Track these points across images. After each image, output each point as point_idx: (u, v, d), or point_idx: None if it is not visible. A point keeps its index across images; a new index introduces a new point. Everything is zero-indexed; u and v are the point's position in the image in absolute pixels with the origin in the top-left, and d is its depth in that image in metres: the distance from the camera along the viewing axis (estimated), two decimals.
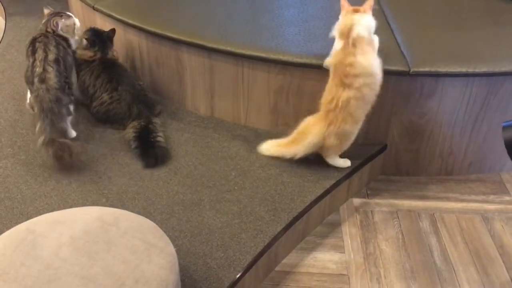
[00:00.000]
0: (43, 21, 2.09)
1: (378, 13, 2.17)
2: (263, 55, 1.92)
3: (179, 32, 2.05)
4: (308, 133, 1.79)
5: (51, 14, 2.09)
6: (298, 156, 1.83)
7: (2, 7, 3.24)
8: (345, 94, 1.69)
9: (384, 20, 2.16)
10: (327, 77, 1.80)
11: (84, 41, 2.10)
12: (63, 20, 2.07)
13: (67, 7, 2.87)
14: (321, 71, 1.85)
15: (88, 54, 2.11)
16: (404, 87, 1.88)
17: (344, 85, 1.69)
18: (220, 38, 2.00)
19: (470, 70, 1.81)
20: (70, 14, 2.14)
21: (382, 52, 1.85)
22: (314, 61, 1.86)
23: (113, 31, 2.15)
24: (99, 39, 2.12)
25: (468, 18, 2.23)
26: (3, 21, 3.10)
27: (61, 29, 2.05)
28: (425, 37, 2.04)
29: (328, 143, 1.78)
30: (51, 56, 1.93)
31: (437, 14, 2.27)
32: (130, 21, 2.15)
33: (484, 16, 2.25)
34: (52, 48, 1.96)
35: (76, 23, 2.13)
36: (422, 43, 1.98)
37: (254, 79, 2.01)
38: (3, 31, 2.92)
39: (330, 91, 1.73)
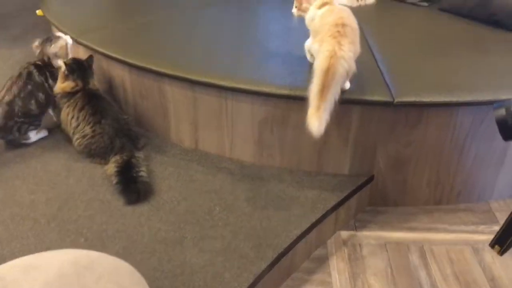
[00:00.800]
0: (37, 51, 2.11)
1: (362, 43, 2.17)
2: (246, 86, 1.90)
3: (161, 64, 2.03)
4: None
5: (42, 43, 2.12)
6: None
7: None
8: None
9: (368, 49, 2.16)
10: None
11: (63, 67, 2.08)
12: (52, 45, 2.08)
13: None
14: (306, 103, 1.84)
15: (69, 85, 2.09)
16: (388, 117, 1.86)
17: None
18: (203, 70, 1.99)
19: (454, 99, 1.80)
20: (59, 34, 2.15)
21: (367, 82, 1.84)
22: (298, 93, 1.84)
23: (91, 58, 2.13)
24: (78, 66, 2.10)
25: (450, 46, 2.24)
26: None
27: (56, 55, 2.08)
28: (409, 66, 2.04)
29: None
30: (6, 98, 2.06)
31: (420, 43, 2.28)
32: (113, 54, 2.14)
33: (467, 44, 2.26)
34: (15, 88, 2.07)
35: (68, 41, 2.15)
36: (405, 73, 1.98)
37: (238, 110, 1.99)
38: None
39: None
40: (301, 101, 1.84)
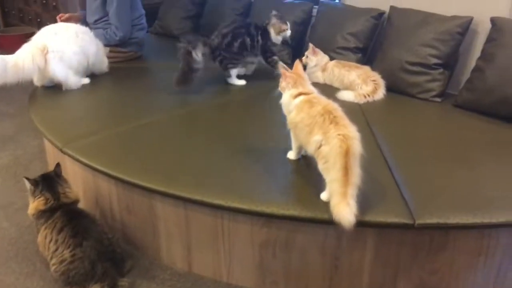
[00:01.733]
0: None
1: (373, 148, 1.97)
2: (244, 206, 1.67)
3: (151, 180, 1.82)
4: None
5: None
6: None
7: None
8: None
9: (380, 156, 1.95)
10: (319, 229, 1.56)
11: (27, 183, 1.88)
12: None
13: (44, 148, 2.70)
14: (313, 224, 1.61)
15: (40, 202, 1.87)
16: (409, 241, 1.61)
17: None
18: (197, 187, 1.76)
19: (486, 220, 1.55)
20: None
21: (381, 198, 1.62)
22: (305, 213, 1.61)
23: (58, 166, 1.93)
24: (43, 178, 1.90)
25: (472, 150, 2.02)
26: None
27: None
28: (428, 176, 1.81)
29: None
30: None
31: (437, 146, 2.07)
32: (99, 167, 1.94)
33: (490, 147, 2.05)
34: None
35: None
36: (425, 185, 1.75)
37: (235, 232, 1.75)
38: None
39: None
40: (308, 222, 1.62)
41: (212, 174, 1.85)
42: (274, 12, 2.79)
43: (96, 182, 2.05)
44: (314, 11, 3.28)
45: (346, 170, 1.49)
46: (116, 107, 2.56)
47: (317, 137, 1.60)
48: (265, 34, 2.80)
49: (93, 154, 2.01)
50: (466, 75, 2.59)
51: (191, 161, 1.95)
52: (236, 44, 2.76)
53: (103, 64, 3.00)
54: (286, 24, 2.80)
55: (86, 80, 2.85)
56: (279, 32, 2.78)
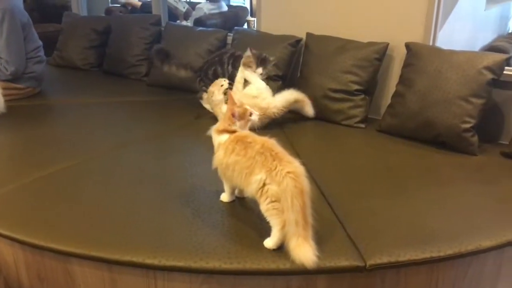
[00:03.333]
0: None
1: (310, 181, 1.88)
2: (180, 263, 1.47)
3: (66, 241, 1.56)
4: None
5: None
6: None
7: None
8: None
9: (316, 189, 1.86)
10: (266, 281, 1.44)
11: None
12: None
13: None
14: (258, 276, 1.45)
15: None
16: (361, 284, 1.51)
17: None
18: (122, 245, 1.53)
19: (435, 254, 1.50)
20: None
21: (326, 240, 1.51)
22: (248, 266, 1.45)
23: None
24: None
25: (405, 177, 2.02)
26: None
27: None
28: (368, 209, 1.74)
29: None
30: None
31: (372, 176, 2.03)
32: (1, 231, 1.63)
33: (421, 173, 2.05)
34: None
35: None
36: (367, 220, 1.68)
37: None
38: None
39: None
40: (255, 275, 1.47)
41: (138, 227, 1.63)
42: (248, 53, 2.58)
43: None
44: (229, 39, 3.18)
45: (303, 210, 1.41)
46: (16, 155, 2.23)
47: (259, 176, 1.48)
48: (235, 63, 2.71)
49: None
50: (386, 99, 2.63)
51: (111, 213, 1.71)
52: (210, 72, 2.77)
53: None
54: (258, 66, 2.57)
55: None
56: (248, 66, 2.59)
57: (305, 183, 1.45)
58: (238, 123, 1.67)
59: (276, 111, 2.50)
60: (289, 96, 2.56)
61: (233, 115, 1.65)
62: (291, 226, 1.41)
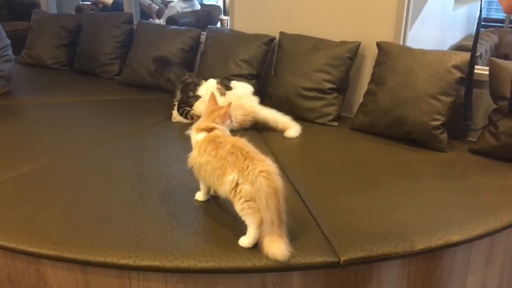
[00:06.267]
0: None
1: (284, 178, 1.89)
2: (155, 263, 1.46)
3: (38, 242, 1.53)
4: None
5: None
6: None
7: None
8: None
9: (291, 187, 1.87)
10: (241, 279, 1.45)
11: None
12: None
13: None
14: (234, 274, 1.46)
15: None
16: (335, 280, 1.54)
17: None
18: (95, 245, 1.51)
19: (407, 249, 1.54)
20: None
21: (299, 236, 1.53)
22: (224, 264, 1.46)
23: None
24: None
25: (377, 173, 2.05)
26: None
27: None
28: (341, 205, 1.77)
29: None
30: None
31: (343, 173, 2.06)
32: None
33: (394, 169, 2.09)
34: None
35: None
36: (340, 215, 1.70)
37: None
38: None
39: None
40: (230, 273, 1.47)
41: (112, 227, 1.61)
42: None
43: None
44: (203, 37, 3.17)
45: (278, 208, 1.42)
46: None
47: (231, 176, 1.49)
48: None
49: None
50: (358, 98, 2.67)
51: (84, 213, 1.69)
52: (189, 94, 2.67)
53: None
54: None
55: None
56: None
57: (279, 181, 1.45)
58: (226, 124, 1.67)
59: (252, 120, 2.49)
60: (279, 117, 2.50)
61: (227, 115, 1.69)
62: (267, 225, 1.42)
